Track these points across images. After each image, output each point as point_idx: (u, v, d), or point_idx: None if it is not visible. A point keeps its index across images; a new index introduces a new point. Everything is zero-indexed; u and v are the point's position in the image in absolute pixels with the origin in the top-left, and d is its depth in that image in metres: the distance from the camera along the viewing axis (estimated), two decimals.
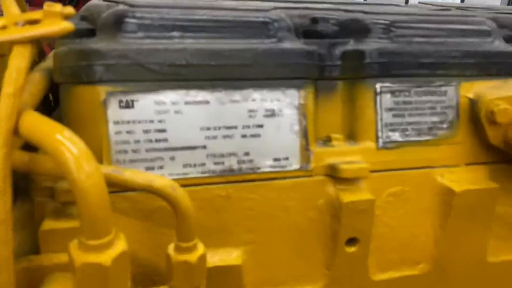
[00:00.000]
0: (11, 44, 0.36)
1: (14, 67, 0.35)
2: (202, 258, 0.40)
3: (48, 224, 0.42)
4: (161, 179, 0.38)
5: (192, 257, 0.39)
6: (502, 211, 0.59)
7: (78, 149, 0.34)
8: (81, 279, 0.34)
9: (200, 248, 0.40)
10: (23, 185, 0.46)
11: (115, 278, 0.34)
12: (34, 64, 0.54)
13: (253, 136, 0.49)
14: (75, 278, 0.34)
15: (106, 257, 0.33)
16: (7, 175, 0.35)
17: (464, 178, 0.56)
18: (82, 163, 0.33)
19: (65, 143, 0.34)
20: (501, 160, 0.58)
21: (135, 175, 0.38)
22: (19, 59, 0.36)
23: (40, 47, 0.55)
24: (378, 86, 0.54)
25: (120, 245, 0.35)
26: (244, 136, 0.49)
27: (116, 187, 0.39)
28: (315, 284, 0.53)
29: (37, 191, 0.44)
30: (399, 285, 0.56)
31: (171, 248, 0.40)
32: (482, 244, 0.58)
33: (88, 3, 0.55)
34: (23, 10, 0.44)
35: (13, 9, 0.37)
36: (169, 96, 0.46)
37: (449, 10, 0.70)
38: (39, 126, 0.35)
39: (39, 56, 0.57)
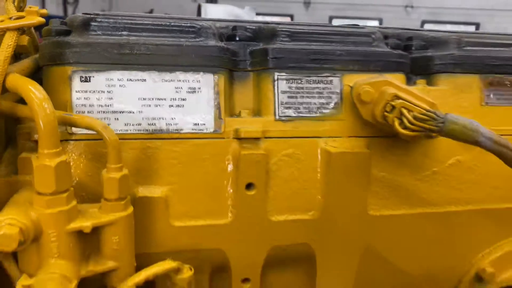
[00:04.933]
0: (5, 30, 0.57)
1: (5, 44, 0.56)
2: (125, 176, 0.59)
3: (24, 155, 0.61)
4: (97, 121, 0.58)
5: (118, 175, 0.58)
6: (380, 176, 0.76)
7: (41, 94, 0.54)
8: (37, 175, 0.53)
9: (124, 170, 0.59)
10: (13, 135, 0.66)
11: (59, 176, 0.53)
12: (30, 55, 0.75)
13: (178, 106, 0.69)
14: (34, 176, 0.53)
15: (52, 162, 0.52)
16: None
17: (343, 145, 0.73)
18: (42, 103, 0.53)
19: (33, 91, 0.54)
20: (378, 134, 0.75)
21: (81, 118, 0.58)
22: (9, 39, 0.56)
23: (35, 44, 0.76)
24: (276, 75, 0.72)
25: (64, 156, 0.54)
26: (171, 106, 0.68)
27: (67, 125, 0.58)
28: (223, 219, 0.70)
29: (21, 136, 0.63)
30: (293, 226, 0.73)
31: (104, 171, 0.59)
32: (362, 199, 0.74)
33: (70, 16, 0.76)
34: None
35: (8, 9, 0.58)
36: (116, 75, 0.66)
37: (357, 25, 0.89)
38: (19, 81, 0.55)
39: (36, 51, 0.78)
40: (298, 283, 0.78)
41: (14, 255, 0.57)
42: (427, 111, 0.62)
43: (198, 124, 0.69)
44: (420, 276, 0.82)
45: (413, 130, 0.63)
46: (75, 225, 0.56)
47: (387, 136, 0.75)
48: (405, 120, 0.64)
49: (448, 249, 0.82)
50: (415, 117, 0.62)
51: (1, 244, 0.50)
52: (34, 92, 0.53)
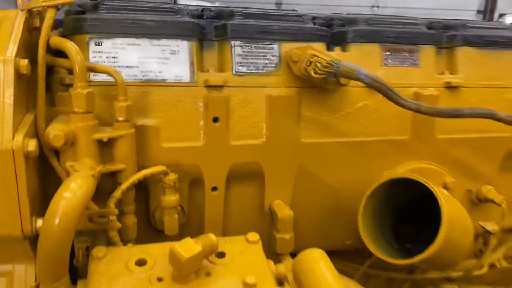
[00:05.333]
0: (48, 7, 0.85)
1: (48, 16, 0.84)
2: (130, 106, 0.88)
3: (60, 94, 0.90)
4: (111, 68, 0.87)
5: (125, 104, 0.87)
6: (308, 115, 1.07)
7: (76, 48, 0.83)
8: (73, 100, 0.81)
9: (129, 101, 0.88)
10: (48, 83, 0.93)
11: (88, 101, 0.82)
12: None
13: (163, 63, 0.98)
14: (72, 101, 0.82)
15: (84, 91, 0.81)
16: (44, 64, 0.83)
17: (281, 92, 1.04)
18: (77, 54, 0.82)
19: (71, 46, 0.83)
20: (307, 86, 1.06)
21: (100, 65, 0.87)
22: (51, 13, 0.85)
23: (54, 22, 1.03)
24: (233, 42, 1.03)
25: (90, 88, 0.83)
26: (158, 62, 0.97)
27: (91, 70, 0.87)
28: (198, 142, 0.99)
29: (55, 81, 0.91)
30: (247, 149, 1.03)
31: (115, 102, 0.88)
32: (295, 130, 1.05)
33: (82, 2, 1.04)
34: None
35: None
36: (119, 41, 0.95)
37: (295, 10, 1.20)
38: (60, 40, 0.84)
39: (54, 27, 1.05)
40: (252, 192, 1.08)
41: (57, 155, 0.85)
42: (330, 61, 0.93)
43: (178, 76, 0.99)
44: (341, 187, 1.13)
45: (321, 74, 0.94)
46: (98, 135, 0.85)
47: (313, 87, 1.06)
48: (316, 69, 0.95)
49: (361, 168, 1.13)
50: (322, 66, 0.94)
51: (53, 141, 0.79)
52: (72, 46, 0.82)
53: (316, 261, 0.83)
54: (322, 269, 0.82)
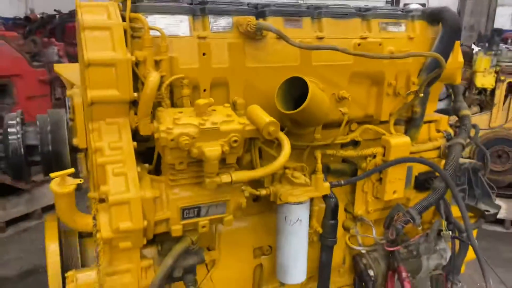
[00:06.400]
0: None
1: (128, 4, 1.84)
2: (167, 45, 1.90)
3: (131, 40, 1.90)
4: (159, 27, 1.89)
5: (166, 43, 1.89)
6: (249, 52, 2.13)
7: (144, 18, 1.84)
8: (145, 35, 1.83)
9: (166, 42, 1.91)
10: None
11: (151, 42, 1.84)
12: None
13: (177, 26, 2.01)
14: (145, 34, 1.84)
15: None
16: (128, 25, 1.84)
17: (235, 41, 2.10)
18: (145, 20, 1.84)
19: (143, 17, 1.84)
20: (250, 39, 2.13)
21: (155, 26, 1.89)
22: (129, 2, 1.85)
23: None
24: (209, 16, 2.07)
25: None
26: (175, 26, 2.00)
27: (150, 29, 1.88)
28: (196, 65, 2.03)
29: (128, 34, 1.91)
30: (219, 70, 2.07)
31: (160, 43, 1.90)
32: (243, 60, 2.11)
33: None
34: None
35: None
36: (156, 16, 1.97)
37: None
38: (136, 15, 1.85)
39: None
40: (223, 93, 2.13)
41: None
42: (256, 22, 2.01)
43: (184, 33, 2.02)
44: (267, 91, 2.21)
45: (252, 29, 2.02)
46: (156, 57, 1.87)
47: (250, 38, 2.14)
48: (250, 26, 2.02)
49: (276, 80, 2.21)
50: (253, 24, 2.02)
51: (139, 58, 1.81)
52: (143, 17, 1.84)
53: (254, 107, 1.94)
54: (256, 110, 1.92)
